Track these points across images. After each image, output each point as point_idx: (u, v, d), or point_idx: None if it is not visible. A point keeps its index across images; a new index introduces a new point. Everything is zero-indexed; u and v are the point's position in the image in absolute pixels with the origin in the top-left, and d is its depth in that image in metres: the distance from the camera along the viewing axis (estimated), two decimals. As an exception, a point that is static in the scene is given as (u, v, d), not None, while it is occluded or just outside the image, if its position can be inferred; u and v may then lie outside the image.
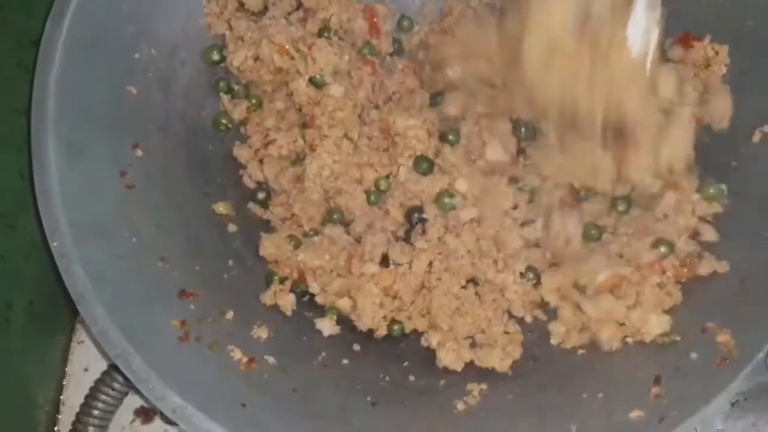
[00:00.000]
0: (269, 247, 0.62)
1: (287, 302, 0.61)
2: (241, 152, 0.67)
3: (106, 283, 0.53)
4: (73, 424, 0.61)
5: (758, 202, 0.58)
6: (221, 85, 0.68)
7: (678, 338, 0.54)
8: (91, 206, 0.56)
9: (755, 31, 0.60)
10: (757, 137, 0.59)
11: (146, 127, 0.62)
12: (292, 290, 0.62)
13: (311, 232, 0.64)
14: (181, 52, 0.66)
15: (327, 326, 0.60)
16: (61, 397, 0.66)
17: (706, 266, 0.56)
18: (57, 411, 0.65)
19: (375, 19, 0.69)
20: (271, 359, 0.56)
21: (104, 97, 0.59)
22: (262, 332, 0.58)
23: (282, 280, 0.62)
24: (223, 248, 0.63)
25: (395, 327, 0.61)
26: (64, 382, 0.66)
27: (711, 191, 0.59)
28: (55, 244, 0.53)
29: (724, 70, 0.62)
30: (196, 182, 0.64)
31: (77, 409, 0.61)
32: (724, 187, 0.59)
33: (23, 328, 0.60)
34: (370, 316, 0.60)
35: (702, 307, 0.55)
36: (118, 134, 0.60)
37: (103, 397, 0.60)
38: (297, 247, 0.62)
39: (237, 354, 0.55)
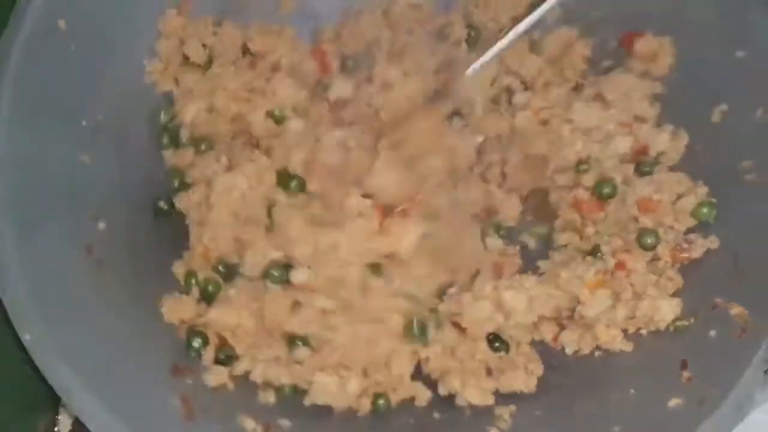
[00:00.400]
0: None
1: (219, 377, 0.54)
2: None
3: (92, 371, 0.47)
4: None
5: (727, 178, 0.60)
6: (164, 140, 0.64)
7: (691, 320, 0.54)
8: (59, 289, 0.50)
9: (695, 18, 0.63)
10: (716, 117, 0.61)
11: (105, 196, 0.57)
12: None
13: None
14: (129, 114, 0.62)
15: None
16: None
17: (699, 247, 0.57)
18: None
19: (325, 58, 0.68)
20: (285, 423, 0.52)
21: (56, 170, 0.54)
22: (268, 396, 0.54)
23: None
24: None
25: (380, 402, 0.55)
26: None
27: (704, 211, 0.59)
28: (27, 337, 0.47)
29: (671, 60, 0.64)
30: (165, 245, 0.60)
31: None
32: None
33: (12, 371, 0.53)
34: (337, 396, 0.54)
35: (704, 286, 0.56)
36: (76, 208, 0.55)
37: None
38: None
39: (250, 424, 0.50)
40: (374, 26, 0.70)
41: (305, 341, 0.55)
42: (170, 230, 0.61)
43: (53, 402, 0.61)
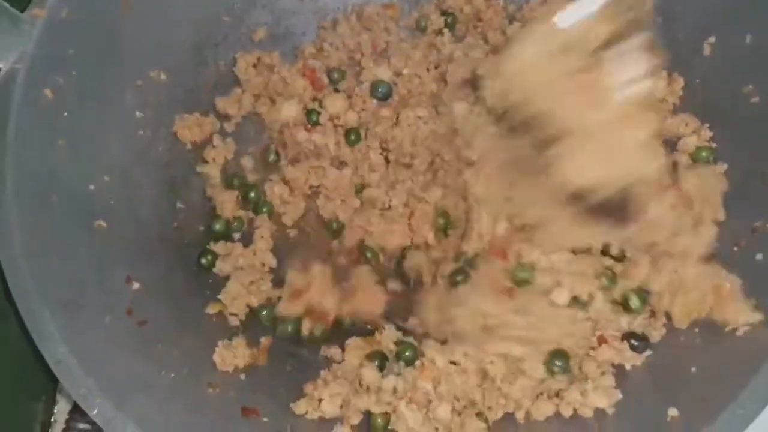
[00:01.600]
0: None
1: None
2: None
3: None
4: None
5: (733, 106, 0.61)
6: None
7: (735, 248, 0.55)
8: (115, 360, 0.49)
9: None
10: (707, 50, 0.62)
11: (132, 257, 0.56)
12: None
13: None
14: (134, 173, 0.60)
15: None
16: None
17: None
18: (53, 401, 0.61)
19: (314, 76, 0.67)
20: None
21: (77, 242, 0.53)
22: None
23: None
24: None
25: None
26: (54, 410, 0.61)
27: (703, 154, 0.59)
28: (95, 412, 0.45)
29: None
30: (202, 295, 0.59)
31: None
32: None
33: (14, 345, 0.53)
34: None
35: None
36: (107, 275, 0.53)
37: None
38: None
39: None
40: (352, 32, 0.70)
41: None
42: (201, 279, 0.60)
43: (51, 388, 0.61)
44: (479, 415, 0.51)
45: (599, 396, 0.50)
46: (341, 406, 0.52)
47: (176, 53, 0.66)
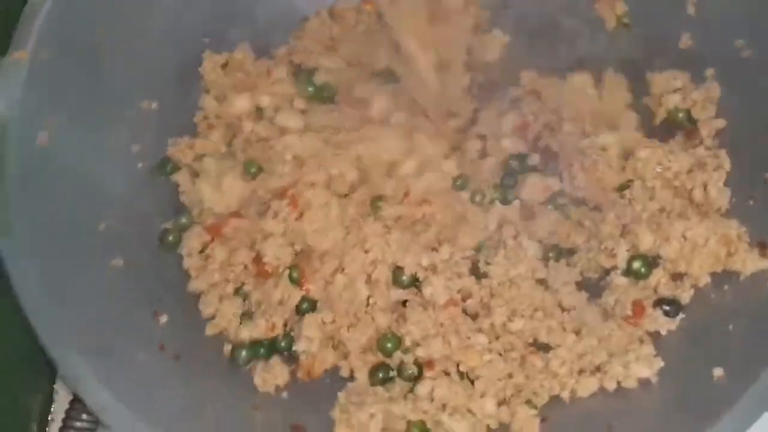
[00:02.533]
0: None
1: None
2: None
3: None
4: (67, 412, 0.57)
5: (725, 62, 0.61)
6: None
7: (750, 202, 0.55)
8: (159, 397, 0.48)
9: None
10: (690, 9, 0.62)
11: (153, 290, 0.55)
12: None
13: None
14: (140, 205, 0.59)
15: None
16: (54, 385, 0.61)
17: None
18: (50, 399, 0.61)
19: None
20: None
21: (97, 283, 0.52)
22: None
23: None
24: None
25: None
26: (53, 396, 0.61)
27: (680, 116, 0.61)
28: (145, 457, 0.45)
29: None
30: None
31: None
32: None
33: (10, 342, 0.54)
34: None
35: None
36: (132, 312, 0.52)
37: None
38: None
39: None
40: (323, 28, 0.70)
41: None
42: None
43: (50, 377, 0.61)
44: (528, 402, 0.51)
45: (641, 366, 0.51)
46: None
47: (162, 80, 0.64)
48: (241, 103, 0.65)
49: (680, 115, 0.61)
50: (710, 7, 0.61)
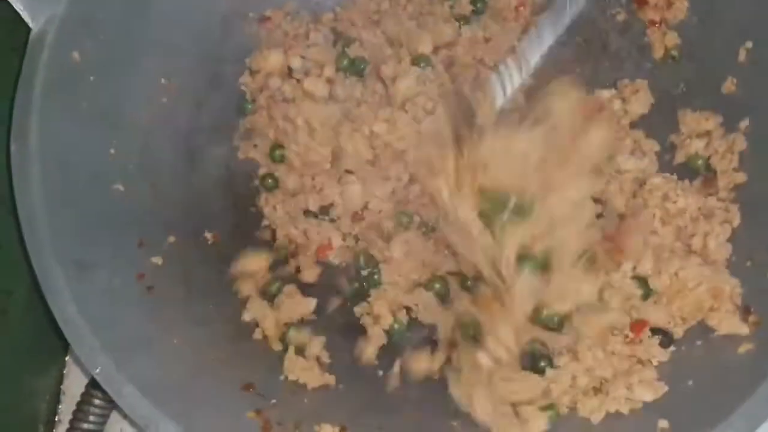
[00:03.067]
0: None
1: None
2: None
3: (170, 397, 0.48)
4: (74, 413, 0.58)
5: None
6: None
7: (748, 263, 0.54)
8: (121, 321, 0.50)
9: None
10: (742, 56, 0.60)
11: (147, 223, 0.57)
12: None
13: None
14: (155, 140, 0.61)
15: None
16: (61, 386, 0.63)
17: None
18: (57, 400, 0.63)
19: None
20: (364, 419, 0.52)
21: (94, 203, 0.55)
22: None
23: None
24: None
25: None
26: (64, 371, 0.63)
27: None
28: (97, 370, 0.47)
29: (687, 4, 0.63)
30: (213, 265, 0.60)
31: (78, 399, 0.58)
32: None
33: (22, 316, 0.57)
34: None
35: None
36: (120, 238, 0.55)
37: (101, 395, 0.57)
38: None
39: (327, 429, 0.50)
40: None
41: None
42: (215, 252, 0.61)
43: (62, 351, 0.63)
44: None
45: (644, 390, 0.50)
46: None
47: (204, 21, 0.66)
48: (275, 59, 0.67)
49: (699, 162, 0.59)
50: (762, 59, 0.58)
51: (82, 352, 0.48)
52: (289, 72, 0.67)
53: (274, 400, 0.50)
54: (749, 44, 0.59)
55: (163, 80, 0.63)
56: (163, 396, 0.47)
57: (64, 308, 0.49)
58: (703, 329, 0.52)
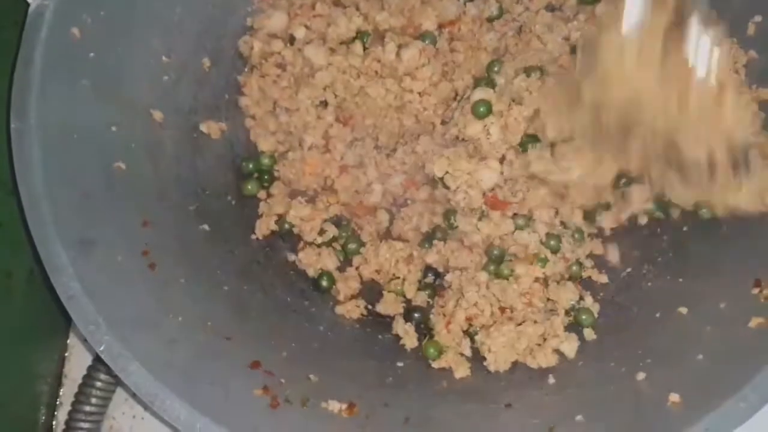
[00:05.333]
0: None
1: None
2: None
3: (175, 374, 0.47)
4: (76, 395, 0.58)
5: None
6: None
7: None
8: (125, 299, 0.50)
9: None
10: (751, 30, 0.59)
11: (148, 201, 0.57)
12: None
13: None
14: (157, 118, 0.60)
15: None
16: (63, 369, 0.63)
17: None
18: (59, 383, 0.63)
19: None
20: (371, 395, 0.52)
21: (96, 181, 0.54)
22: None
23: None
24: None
25: None
26: (66, 354, 0.63)
27: None
28: (102, 348, 0.47)
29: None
30: (216, 243, 0.59)
31: (79, 381, 0.58)
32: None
33: (23, 298, 0.57)
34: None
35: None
36: (123, 216, 0.54)
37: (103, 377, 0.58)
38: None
39: (334, 406, 0.50)
40: None
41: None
42: (219, 231, 0.61)
43: (64, 334, 0.63)
44: None
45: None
46: None
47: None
48: (278, 19, 0.66)
49: None
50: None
51: (86, 329, 0.47)
52: (291, 41, 0.66)
53: (282, 379, 0.50)
54: (758, 18, 0.58)
55: (164, 57, 0.62)
56: (169, 373, 0.47)
57: (68, 286, 0.48)
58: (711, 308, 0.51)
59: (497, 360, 0.55)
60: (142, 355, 0.47)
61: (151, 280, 0.52)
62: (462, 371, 0.56)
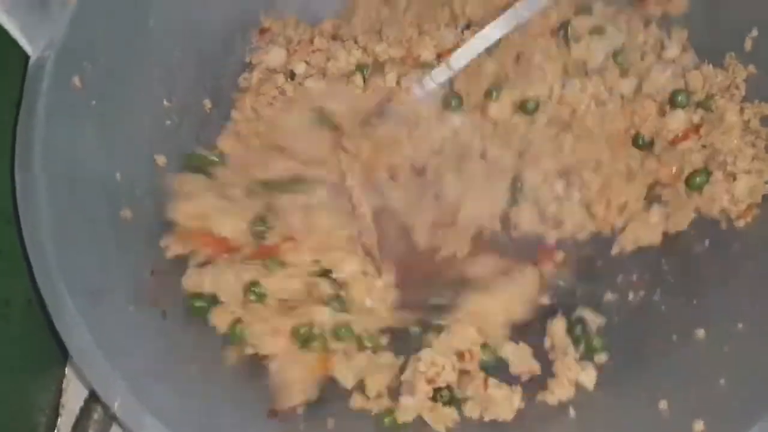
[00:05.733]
0: None
1: None
2: None
3: (191, 425, 0.46)
4: (73, 428, 0.58)
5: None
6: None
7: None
8: (138, 350, 0.49)
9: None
10: (748, 45, 0.60)
11: (156, 248, 0.56)
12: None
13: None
14: (160, 162, 0.60)
15: None
16: (60, 400, 0.62)
17: None
18: (56, 414, 0.61)
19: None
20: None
21: (103, 230, 0.53)
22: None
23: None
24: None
25: None
26: (63, 385, 0.62)
27: None
28: (117, 403, 0.46)
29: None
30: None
31: (77, 413, 0.58)
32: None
33: (21, 327, 0.56)
34: None
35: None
36: (132, 265, 0.54)
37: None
38: None
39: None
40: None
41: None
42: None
43: (61, 363, 0.62)
44: None
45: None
46: None
47: (205, 37, 0.66)
48: (276, 54, 0.66)
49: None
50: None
51: (98, 385, 0.46)
52: (291, 76, 0.66)
53: (301, 427, 0.49)
54: (755, 32, 0.59)
55: (165, 102, 0.62)
56: (185, 427, 0.46)
57: (80, 339, 0.47)
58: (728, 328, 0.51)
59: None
60: (158, 408, 0.46)
61: (163, 330, 0.51)
62: None
